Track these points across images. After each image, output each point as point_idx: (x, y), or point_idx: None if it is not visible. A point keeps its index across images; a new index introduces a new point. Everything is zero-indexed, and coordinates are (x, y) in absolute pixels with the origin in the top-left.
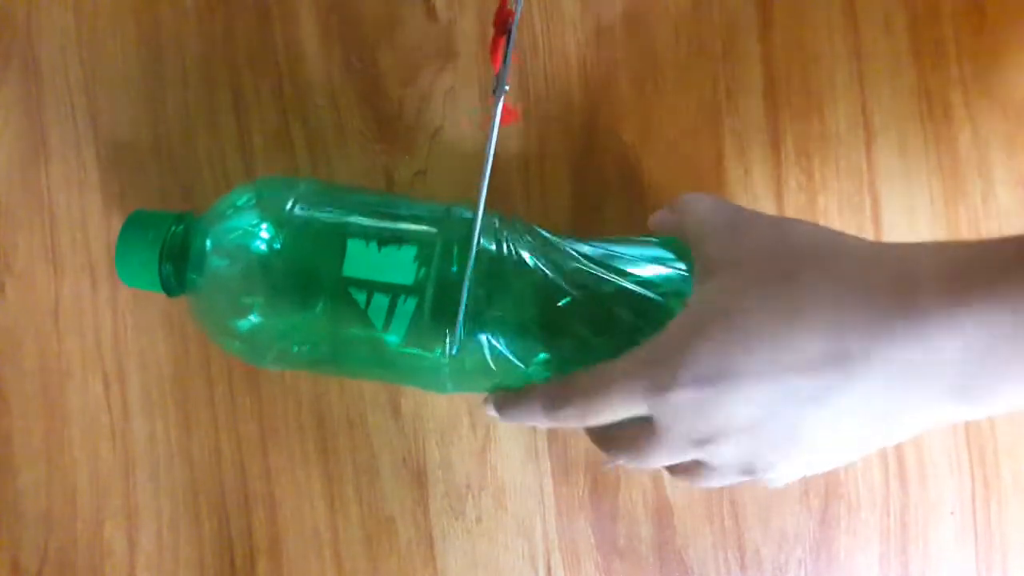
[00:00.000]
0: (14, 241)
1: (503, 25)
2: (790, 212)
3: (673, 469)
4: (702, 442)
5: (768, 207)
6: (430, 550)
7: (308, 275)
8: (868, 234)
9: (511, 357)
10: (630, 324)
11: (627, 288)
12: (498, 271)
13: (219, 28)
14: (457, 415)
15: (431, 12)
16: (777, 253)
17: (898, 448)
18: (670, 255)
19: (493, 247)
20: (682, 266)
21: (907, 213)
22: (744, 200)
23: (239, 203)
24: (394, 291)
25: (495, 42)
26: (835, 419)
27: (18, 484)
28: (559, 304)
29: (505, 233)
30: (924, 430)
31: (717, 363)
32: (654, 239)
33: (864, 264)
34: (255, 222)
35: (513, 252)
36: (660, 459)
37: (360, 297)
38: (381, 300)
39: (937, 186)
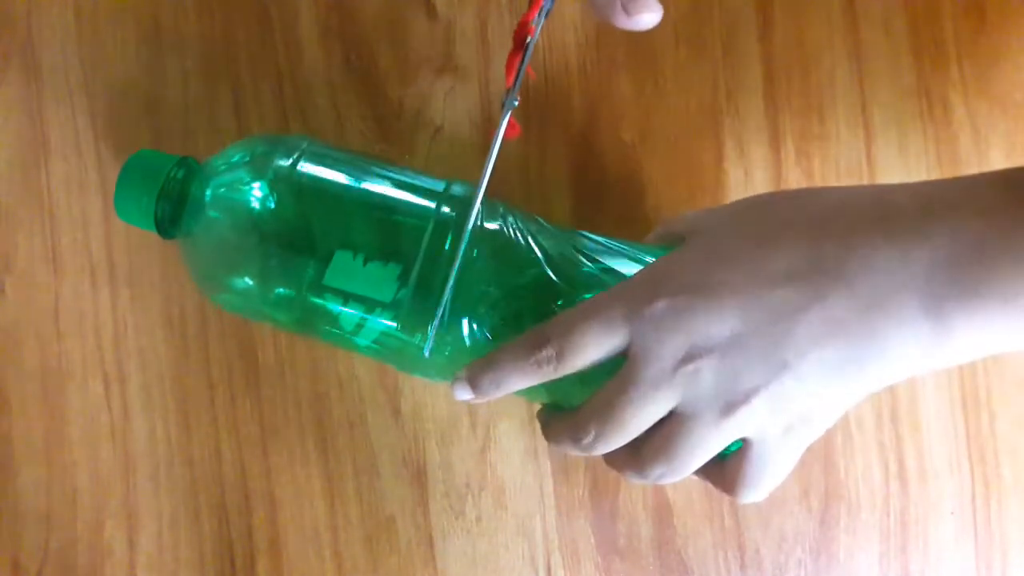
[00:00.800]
0: (14, 241)
1: (521, 41)
2: None
3: (647, 446)
4: (681, 362)
5: None
6: (430, 550)
7: (301, 240)
8: None
9: (491, 339)
10: None
11: (609, 276)
12: (493, 256)
13: (219, 28)
14: (457, 415)
15: (431, 12)
16: (754, 203)
17: (898, 448)
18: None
19: (494, 227)
20: None
21: None
22: None
23: (240, 158)
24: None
25: (511, 57)
26: (813, 335)
27: (18, 484)
28: (549, 292)
29: (508, 219)
30: (906, 369)
31: (696, 276)
32: (654, 247)
33: (840, 197)
34: (252, 179)
35: (512, 236)
36: (642, 403)
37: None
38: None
39: None
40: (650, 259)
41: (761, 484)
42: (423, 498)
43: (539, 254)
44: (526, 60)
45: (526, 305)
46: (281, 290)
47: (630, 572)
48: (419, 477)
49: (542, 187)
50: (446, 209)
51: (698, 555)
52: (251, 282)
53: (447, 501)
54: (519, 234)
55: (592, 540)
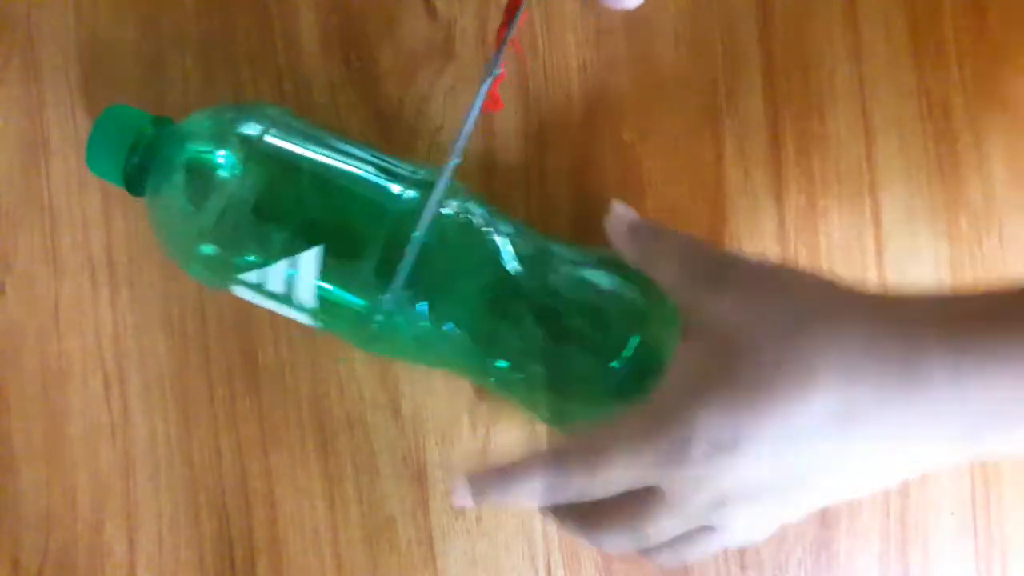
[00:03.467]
0: (14, 241)
1: (510, 13)
2: (790, 212)
3: (665, 545)
4: (712, 508)
5: (768, 207)
6: (430, 550)
7: (264, 209)
8: (868, 234)
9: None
10: (576, 325)
11: (583, 288)
12: (454, 238)
13: (219, 27)
14: (457, 415)
15: (431, 12)
16: (774, 308)
17: None
18: (629, 277)
19: (453, 213)
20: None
21: (907, 213)
22: (744, 200)
23: (213, 123)
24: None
25: (500, 29)
26: (843, 470)
27: (18, 484)
28: (508, 279)
29: (469, 207)
30: (925, 472)
31: (729, 431)
32: (625, 267)
33: (869, 324)
34: (220, 146)
35: (472, 223)
36: (669, 528)
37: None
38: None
39: (937, 186)
40: (628, 282)
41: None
42: (423, 498)
43: (503, 247)
44: (512, 30)
45: (487, 289)
46: (241, 259)
47: (630, 572)
48: (419, 477)
49: (542, 187)
50: (411, 186)
51: None
52: (211, 249)
53: (447, 501)
54: (484, 224)
55: (593, 547)
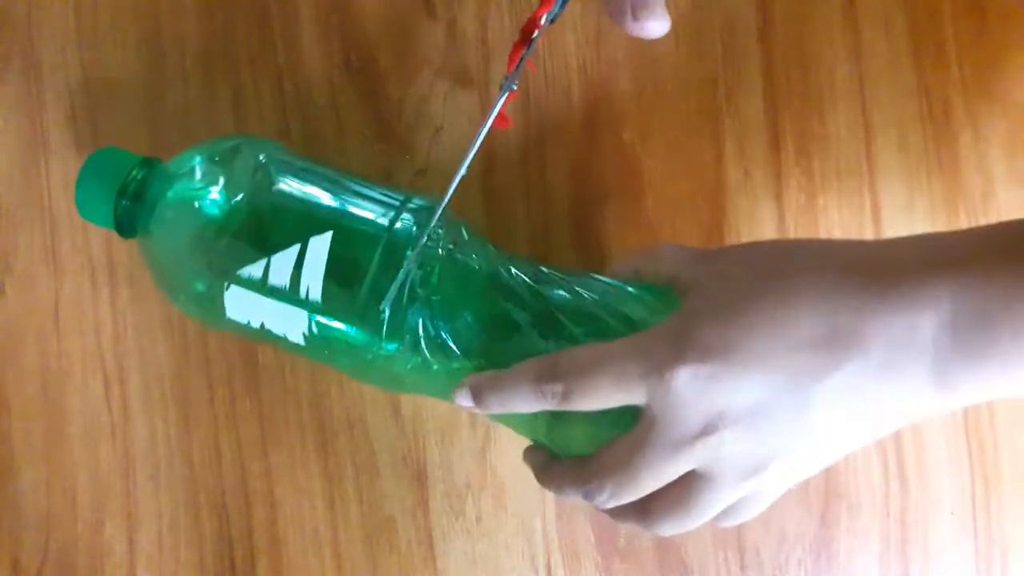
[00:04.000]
0: (14, 241)
1: (528, 35)
2: (790, 212)
3: (659, 502)
4: (704, 431)
5: (768, 207)
6: (430, 550)
7: (254, 248)
8: (868, 234)
9: (447, 342)
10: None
11: (581, 303)
12: (449, 265)
13: (219, 27)
14: (457, 415)
15: (431, 12)
16: (762, 256)
17: (898, 448)
18: (634, 289)
19: (441, 242)
20: (637, 303)
21: (907, 213)
22: (744, 200)
23: (201, 161)
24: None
25: (516, 48)
26: (832, 401)
27: (18, 484)
28: (504, 295)
29: (463, 240)
30: (912, 419)
31: (719, 342)
32: (623, 283)
33: (849, 254)
34: (211, 185)
35: (467, 253)
36: (657, 465)
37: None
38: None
39: (937, 186)
40: (631, 295)
41: (745, 517)
42: (423, 498)
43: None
44: (529, 51)
45: (485, 317)
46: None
47: (630, 572)
48: (419, 477)
49: (542, 187)
50: (407, 216)
51: (698, 555)
52: (203, 287)
53: (447, 501)
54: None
55: (592, 540)
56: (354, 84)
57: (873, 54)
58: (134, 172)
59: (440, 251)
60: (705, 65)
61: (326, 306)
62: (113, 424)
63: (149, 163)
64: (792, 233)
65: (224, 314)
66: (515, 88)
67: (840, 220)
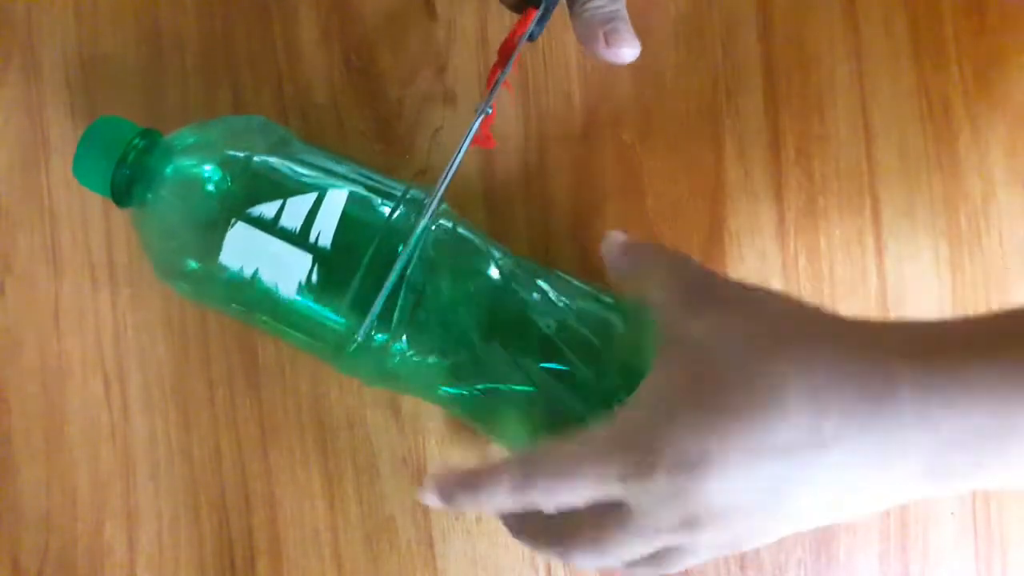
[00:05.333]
0: (14, 241)
1: (506, 56)
2: (790, 212)
3: (635, 563)
4: (680, 528)
5: (768, 207)
6: (430, 550)
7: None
8: (868, 234)
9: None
10: (545, 336)
11: (562, 312)
12: (440, 255)
13: (219, 27)
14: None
15: (431, 12)
16: (749, 330)
17: None
18: (611, 302)
19: (434, 229)
20: (618, 316)
21: (907, 213)
22: (744, 200)
23: (201, 138)
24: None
25: (493, 69)
26: (811, 494)
27: (18, 484)
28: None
29: (458, 232)
30: (897, 504)
31: (694, 451)
32: (608, 295)
33: (840, 348)
34: (208, 161)
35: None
36: (633, 546)
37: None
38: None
39: (937, 186)
40: (617, 314)
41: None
42: None
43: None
44: (504, 74)
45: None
46: (224, 275)
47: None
48: (419, 477)
49: (542, 187)
50: (402, 208)
51: None
52: (195, 264)
53: None
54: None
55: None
56: (354, 84)
57: (873, 54)
58: (135, 141)
59: (431, 249)
60: (705, 65)
61: (332, 257)
62: (113, 424)
63: (150, 134)
64: (792, 233)
65: (217, 270)
66: (490, 111)
67: (840, 220)
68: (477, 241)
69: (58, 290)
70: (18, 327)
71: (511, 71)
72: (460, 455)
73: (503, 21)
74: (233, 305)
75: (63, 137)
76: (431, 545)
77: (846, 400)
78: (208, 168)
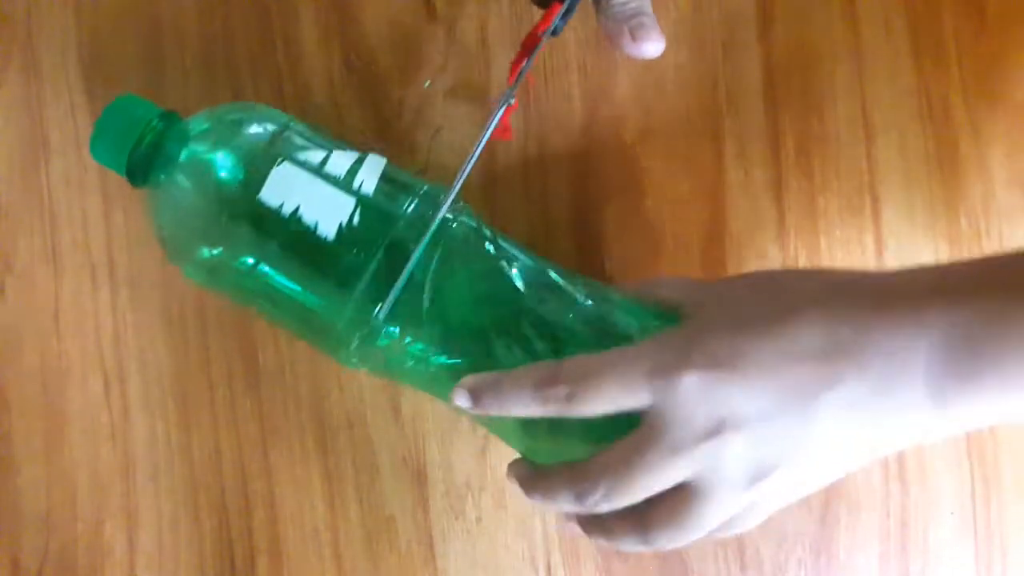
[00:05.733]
0: (14, 241)
1: (529, 48)
2: (790, 212)
3: (656, 517)
4: (707, 434)
5: (768, 207)
6: (430, 550)
7: (267, 218)
8: (868, 233)
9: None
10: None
11: (583, 319)
12: (453, 254)
13: (219, 28)
14: (457, 415)
15: (431, 12)
16: (766, 280)
17: None
18: (636, 307)
19: (455, 228)
20: (640, 317)
21: (907, 213)
22: (744, 201)
23: (220, 124)
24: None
25: (517, 59)
26: (833, 414)
27: (18, 483)
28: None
29: (472, 227)
30: (912, 440)
31: (727, 349)
32: (622, 296)
33: (850, 280)
34: (226, 148)
35: (478, 242)
36: (657, 470)
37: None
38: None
39: (937, 186)
40: (634, 308)
41: (741, 529)
42: (423, 498)
43: (506, 270)
44: (528, 65)
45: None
46: (237, 261)
47: (630, 572)
48: (419, 477)
49: (542, 187)
50: (416, 199)
51: (698, 555)
52: (207, 250)
53: (447, 501)
54: (489, 242)
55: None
56: (354, 84)
57: (873, 54)
58: (154, 123)
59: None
60: (705, 65)
61: (372, 211)
62: (113, 424)
63: (169, 117)
64: (792, 233)
65: (229, 255)
66: (513, 101)
67: (840, 220)
68: (497, 239)
69: (58, 290)
70: (18, 327)
71: (533, 64)
72: (460, 455)
73: (503, 21)
74: (242, 289)
75: (63, 137)
76: (431, 545)
77: (856, 315)
78: (226, 153)
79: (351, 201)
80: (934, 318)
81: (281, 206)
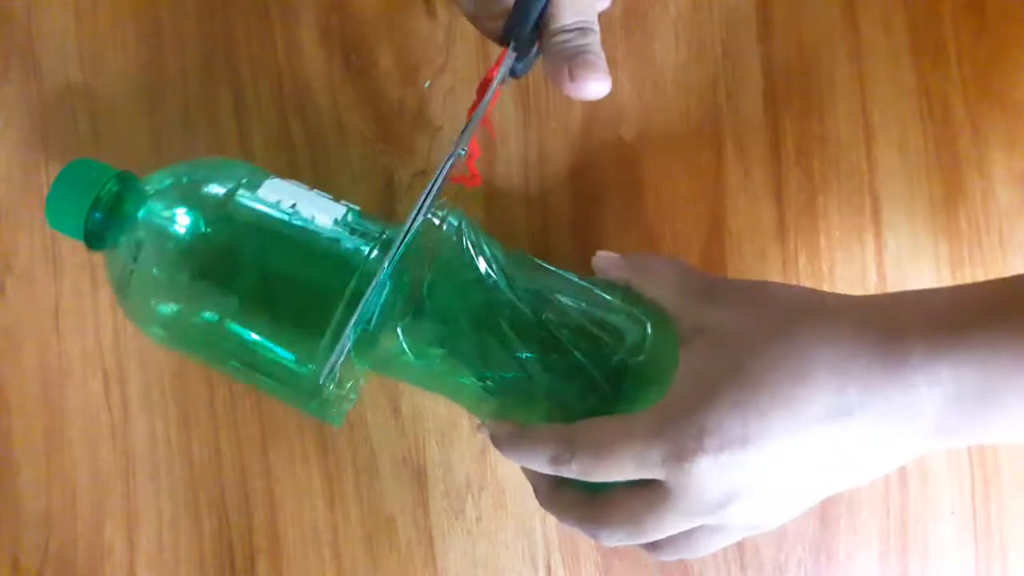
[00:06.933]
0: (14, 241)
1: (480, 95)
2: (790, 212)
3: (666, 541)
4: (718, 506)
5: (768, 207)
6: (430, 550)
7: (228, 273)
8: (868, 233)
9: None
10: (574, 348)
11: (578, 317)
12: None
13: (219, 28)
14: (457, 415)
15: (431, 12)
16: (767, 312)
17: None
18: (629, 305)
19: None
20: (634, 323)
21: (907, 213)
22: (744, 200)
23: (175, 182)
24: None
25: (472, 105)
26: (842, 466)
27: (18, 483)
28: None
29: (468, 235)
30: (910, 461)
31: (738, 428)
32: (615, 295)
33: (853, 322)
34: (182, 207)
35: (469, 253)
36: (668, 526)
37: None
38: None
39: (937, 186)
40: (627, 313)
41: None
42: (423, 498)
43: (494, 270)
44: (482, 111)
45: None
46: (198, 318)
47: (630, 572)
48: (419, 477)
49: (542, 187)
50: (376, 245)
51: None
52: (168, 308)
53: (447, 501)
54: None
55: (592, 540)
56: (354, 84)
57: (873, 54)
58: (109, 186)
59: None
60: (705, 65)
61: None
62: (113, 424)
63: (124, 178)
64: (792, 233)
65: (191, 311)
66: (463, 151)
67: (840, 219)
68: (481, 243)
69: (58, 290)
70: (18, 327)
71: (490, 107)
72: (460, 455)
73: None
74: (207, 346)
75: (63, 138)
76: (431, 545)
77: (865, 369)
78: (183, 212)
79: (343, 207)
80: (948, 373)
81: (280, 202)
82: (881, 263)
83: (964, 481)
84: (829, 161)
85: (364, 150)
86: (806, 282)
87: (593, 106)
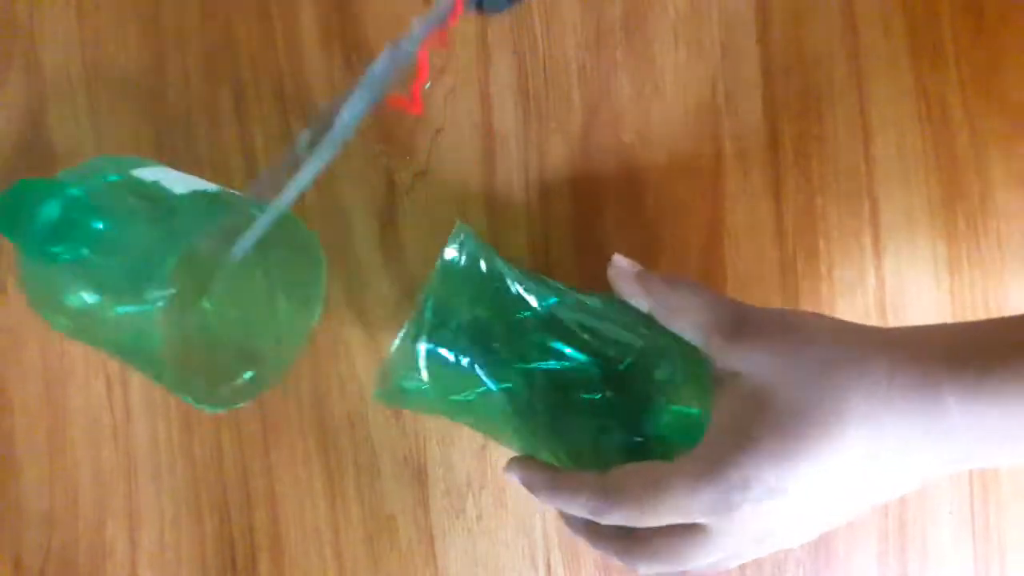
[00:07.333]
0: None
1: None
2: (789, 213)
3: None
4: (755, 543)
5: (767, 208)
6: (431, 548)
7: (125, 255)
8: (866, 234)
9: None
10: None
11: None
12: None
13: (220, 28)
14: None
15: None
16: (802, 357)
17: None
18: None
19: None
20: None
21: (906, 213)
22: (743, 201)
23: (75, 177)
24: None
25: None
26: (867, 493)
27: (20, 483)
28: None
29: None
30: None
31: (778, 479)
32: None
33: (887, 368)
34: (72, 201)
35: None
36: (705, 561)
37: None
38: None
39: (935, 187)
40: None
41: None
42: (424, 497)
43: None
44: (436, 15)
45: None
46: (113, 307)
47: (630, 571)
48: (420, 476)
49: (542, 188)
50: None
51: None
52: (76, 299)
53: (448, 500)
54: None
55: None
56: (354, 84)
57: (871, 55)
58: (3, 202)
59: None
60: (704, 66)
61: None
62: (115, 424)
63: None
64: (790, 234)
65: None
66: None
67: (839, 221)
68: (490, 269)
69: None
70: (20, 327)
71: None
72: (461, 454)
73: (503, 21)
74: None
75: (64, 137)
76: (432, 544)
77: (899, 415)
78: (77, 198)
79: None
80: (979, 416)
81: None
82: (879, 264)
83: (963, 481)
84: (828, 162)
85: (365, 150)
86: (805, 283)
87: (593, 107)
